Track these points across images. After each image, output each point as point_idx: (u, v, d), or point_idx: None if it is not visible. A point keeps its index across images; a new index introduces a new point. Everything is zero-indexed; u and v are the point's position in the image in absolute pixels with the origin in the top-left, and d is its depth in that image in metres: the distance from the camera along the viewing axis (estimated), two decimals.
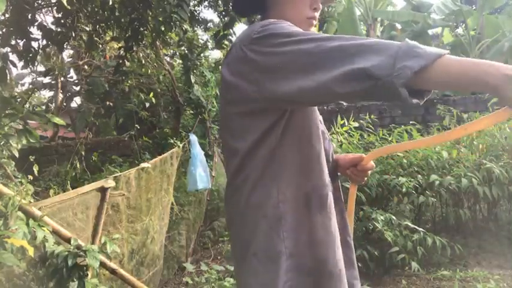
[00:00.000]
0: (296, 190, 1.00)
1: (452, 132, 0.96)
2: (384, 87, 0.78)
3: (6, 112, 2.35)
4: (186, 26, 4.49)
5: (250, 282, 1.00)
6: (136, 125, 5.73)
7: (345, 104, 8.10)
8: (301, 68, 0.88)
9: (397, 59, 0.78)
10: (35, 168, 2.91)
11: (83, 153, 5.06)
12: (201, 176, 4.09)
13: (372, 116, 4.54)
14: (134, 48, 4.66)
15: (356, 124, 4.13)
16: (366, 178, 1.26)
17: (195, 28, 5.85)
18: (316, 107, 1.09)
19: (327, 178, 1.07)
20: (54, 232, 2.00)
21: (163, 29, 4.11)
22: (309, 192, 1.01)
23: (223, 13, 4.49)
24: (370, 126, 4.34)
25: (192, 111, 5.55)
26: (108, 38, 5.67)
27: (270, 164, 0.99)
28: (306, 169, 1.02)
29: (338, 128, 4.08)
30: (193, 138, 4.32)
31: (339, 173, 1.27)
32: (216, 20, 8.32)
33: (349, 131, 4.14)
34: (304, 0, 1.09)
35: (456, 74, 0.77)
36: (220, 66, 6.56)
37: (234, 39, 4.55)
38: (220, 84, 1.14)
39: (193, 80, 5.14)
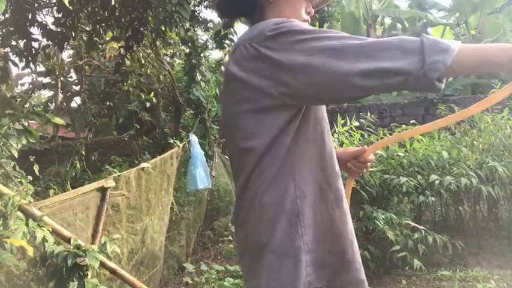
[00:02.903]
0: (312, 185, 1.02)
1: (472, 108, 1.00)
2: (417, 80, 0.85)
3: (6, 112, 2.35)
4: (187, 25, 4.48)
5: (268, 280, 0.99)
6: (136, 125, 5.73)
7: (345, 104, 8.10)
8: (324, 65, 0.90)
9: (425, 54, 0.85)
10: (35, 168, 2.91)
11: (83, 153, 5.06)
12: (201, 176, 4.10)
13: (373, 116, 4.54)
14: (134, 48, 4.66)
15: (357, 124, 4.13)
16: (365, 170, 1.29)
17: (195, 28, 5.85)
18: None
19: (339, 172, 1.10)
20: (54, 232, 2.00)
21: (163, 28, 4.10)
22: (323, 187, 1.03)
23: None
24: (372, 125, 4.34)
25: (192, 111, 5.55)
26: (108, 38, 5.67)
27: (286, 161, 1.00)
28: (319, 164, 1.04)
29: (339, 128, 4.07)
30: (194, 138, 4.32)
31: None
32: (216, 20, 8.32)
33: (350, 131, 4.13)
34: (302, 3, 1.14)
35: (474, 62, 0.87)
36: (222, 66, 6.55)
37: (234, 38, 4.55)
38: (224, 84, 1.12)
39: (198, 78, 5.10)
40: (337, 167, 1.09)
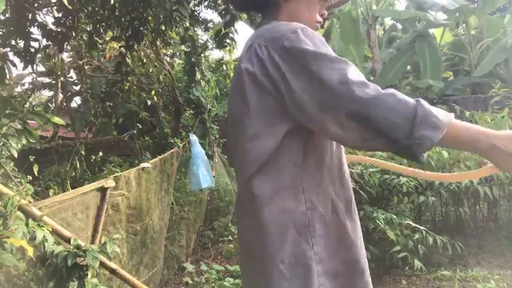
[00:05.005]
0: (322, 196, 1.01)
1: (434, 174, 1.10)
2: (403, 149, 0.87)
3: (6, 112, 2.35)
4: (187, 24, 4.48)
5: None
6: (138, 125, 5.72)
7: None
8: (317, 100, 0.91)
9: (414, 125, 0.85)
10: (35, 168, 2.91)
11: (83, 153, 5.05)
12: (204, 175, 4.07)
13: None
14: (134, 48, 4.66)
15: None
16: None
17: (195, 28, 5.85)
18: None
19: (349, 182, 1.10)
20: (54, 232, 2.00)
21: (163, 28, 4.10)
22: (334, 198, 1.03)
23: (224, 12, 4.49)
24: None
25: (192, 111, 5.54)
26: (108, 38, 5.67)
27: (295, 171, 0.99)
28: (330, 175, 1.04)
29: None
30: (194, 138, 4.32)
31: None
32: (216, 20, 8.33)
33: None
34: (316, 5, 1.13)
35: (458, 142, 0.90)
36: (223, 66, 6.55)
37: (235, 37, 4.54)
38: (233, 80, 1.11)
39: (198, 77, 5.07)
40: (347, 177, 1.09)
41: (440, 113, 0.87)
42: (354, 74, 0.90)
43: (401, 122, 0.85)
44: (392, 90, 0.89)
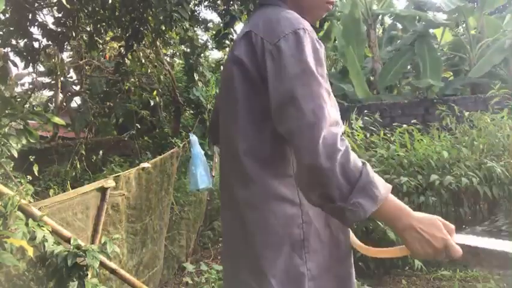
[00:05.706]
0: (317, 210, 0.97)
1: (365, 248, 1.07)
2: (335, 210, 0.85)
3: (6, 112, 2.35)
4: (186, 25, 4.48)
5: None
6: (137, 125, 5.73)
7: (345, 103, 8.11)
8: (283, 115, 0.90)
9: (354, 190, 0.82)
10: (35, 168, 2.91)
11: (83, 153, 5.06)
12: (202, 176, 4.08)
13: (375, 116, 4.55)
14: (134, 48, 4.67)
15: (361, 123, 4.14)
16: None
17: (195, 28, 5.85)
18: None
19: None
20: (54, 232, 1.99)
21: (163, 28, 4.11)
22: None
23: (224, 12, 4.49)
24: (376, 124, 4.35)
25: (192, 111, 5.55)
26: (108, 38, 5.67)
27: (292, 183, 0.96)
28: None
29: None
30: (194, 138, 4.32)
31: None
32: (216, 20, 8.32)
33: (353, 131, 4.14)
34: None
35: (384, 216, 0.89)
36: (221, 66, 6.55)
37: (234, 37, 4.55)
38: (225, 68, 1.06)
39: (196, 78, 5.08)
40: None
41: (381, 184, 0.85)
42: (329, 110, 0.87)
43: (343, 182, 0.82)
44: (347, 145, 0.86)
